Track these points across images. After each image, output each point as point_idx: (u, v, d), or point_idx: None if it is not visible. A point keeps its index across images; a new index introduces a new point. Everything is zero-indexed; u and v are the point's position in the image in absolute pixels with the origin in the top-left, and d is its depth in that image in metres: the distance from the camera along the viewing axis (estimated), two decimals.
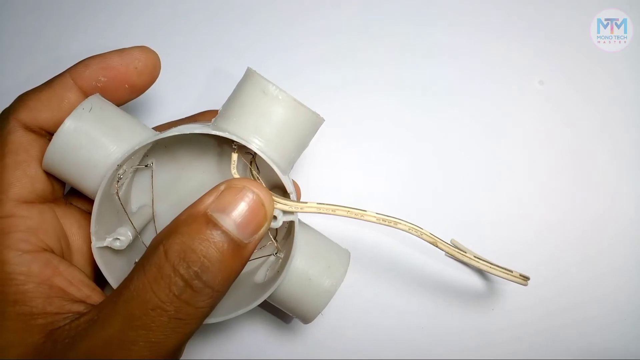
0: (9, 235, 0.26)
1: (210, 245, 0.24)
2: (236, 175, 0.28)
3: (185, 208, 0.26)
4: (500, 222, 0.39)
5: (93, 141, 0.28)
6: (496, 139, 0.40)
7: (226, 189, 0.25)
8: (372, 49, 0.41)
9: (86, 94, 0.29)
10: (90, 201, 0.29)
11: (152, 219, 0.32)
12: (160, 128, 0.34)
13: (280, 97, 0.27)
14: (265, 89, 0.27)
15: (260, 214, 0.26)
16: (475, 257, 0.29)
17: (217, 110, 0.33)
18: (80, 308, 0.26)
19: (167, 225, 0.25)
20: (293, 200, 0.28)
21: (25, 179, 0.27)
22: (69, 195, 0.32)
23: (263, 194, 0.26)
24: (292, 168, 0.30)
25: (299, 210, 0.28)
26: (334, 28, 0.41)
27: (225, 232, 0.24)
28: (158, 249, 0.24)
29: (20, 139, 0.28)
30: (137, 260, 0.31)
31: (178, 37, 0.41)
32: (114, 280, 0.29)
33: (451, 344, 0.38)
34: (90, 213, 0.30)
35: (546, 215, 0.39)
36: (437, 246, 0.28)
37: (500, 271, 0.29)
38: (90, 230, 0.28)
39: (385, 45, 0.41)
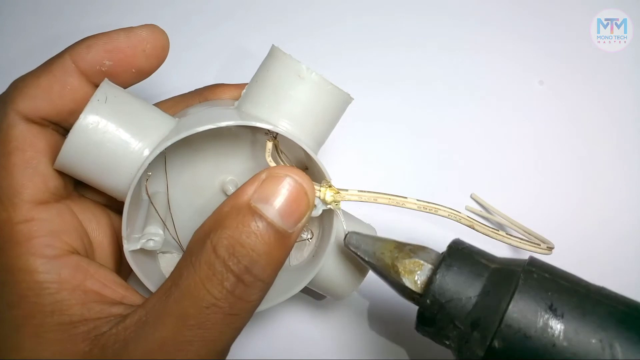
0: (31, 241, 0.25)
1: (257, 238, 0.23)
2: (272, 163, 0.27)
3: (226, 198, 0.25)
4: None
5: (113, 136, 0.25)
6: (495, 139, 0.40)
7: (268, 178, 0.25)
8: (370, 45, 0.41)
9: (89, 79, 0.27)
10: (100, 191, 0.27)
11: (168, 206, 0.30)
12: (163, 105, 0.32)
13: (316, 80, 0.26)
14: (300, 72, 0.26)
15: (303, 202, 0.25)
16: (507, 234, 0.29)
17: (224, 85, 0.32)
18: (119, 310, 0.25)
19: (209, 217, 0.25)
20: (334, 188, 0.27)
21: (37, 178, 0.25)
22: (78, 186, 0.29)
23: (305, 182, 0.25)
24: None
25: (340, 198, 0.27)
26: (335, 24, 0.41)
27: (270, 223, 0.24)
28: (205, 244, 0.24)
29: (24, 134, 0.25)
30: (161, 251, 0.30)
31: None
32: (148, 280, 0.27)
33: None
34: (103, 204, 0.30)
35: (546, 216, 0.40)
36: (474, 228, 0.28)
37: (529, 245, 0.30)
38: (122, 234, 0.26)
39: (382, 42, 0.41)
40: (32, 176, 0.25)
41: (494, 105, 0.41)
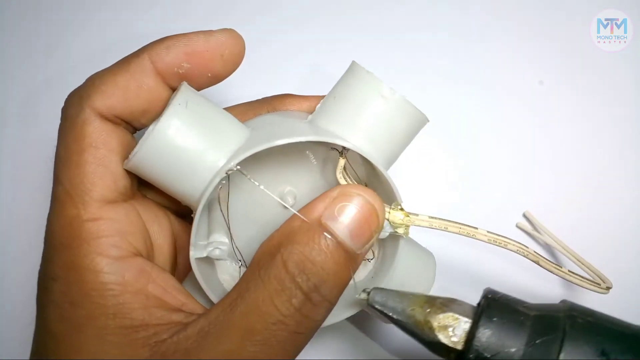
0: (98, 240, 0.24)
1: (327, 257, 0.23)
2: (342, 181, 0.26)
3: (294, 213, 0.24)
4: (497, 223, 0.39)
5: (192, 143, 0.25)
6: (495, 139, 0.40)
7: (339, 196, 0.24)
8: (369, 47, 0.41)
9: (165, 80, 0.26)
10: (162, 193, 0.27)
11: (227, 219, 0.30)
12: (232, 111, 0.30)
13: (398, 101, 0.26)
14: (383, 92, 0.26)
15: (373, 223, 0.25)
16: (569, 272, 0.29)
17: (293, 96, 0.31)
18: (179, 317, 0.25)
19: (278, 230, 0.24)
20: (405, 211, 0.26)
21: (108, 177, 0.25)
22: (141, 186, 0.29)
23: (377, 202, 0.25)
24: None
25: (410, 223, 0.26)
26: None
27: (340, 242, 0.23)
28: (275, 258, 0.23)
29: (98, 131, 0.25)
30: (214, 259, 0.29)
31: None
32: (210, 290, 0.27)
33: None
34: (164, 206, 0.29)
35: (547, 217, 0.39)
36: (539, 264, 0.27)
37: (590, 284, 0.29)
38: (190, 241, 0.26)
39: (380, 42, 0.41)
40: (103, 175, 0.25)
41: (493, 105, 0.40)
